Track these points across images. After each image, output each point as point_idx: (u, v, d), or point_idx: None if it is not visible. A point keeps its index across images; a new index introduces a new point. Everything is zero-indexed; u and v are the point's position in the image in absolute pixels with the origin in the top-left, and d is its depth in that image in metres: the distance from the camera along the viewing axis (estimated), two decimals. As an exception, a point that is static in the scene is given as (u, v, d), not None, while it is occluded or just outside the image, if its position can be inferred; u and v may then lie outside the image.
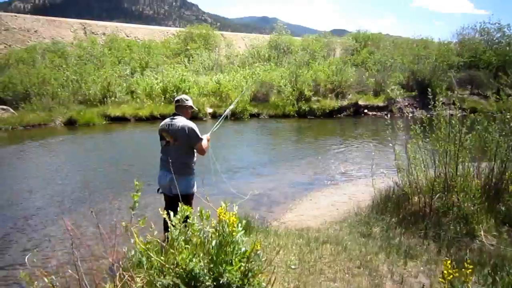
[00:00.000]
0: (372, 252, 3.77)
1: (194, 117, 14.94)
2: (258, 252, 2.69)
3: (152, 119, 15.21)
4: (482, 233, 4.03)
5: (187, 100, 4.60)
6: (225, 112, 5.74)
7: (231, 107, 6.16)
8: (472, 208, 4.22)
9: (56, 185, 7.59)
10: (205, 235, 2.72)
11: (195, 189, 4.53)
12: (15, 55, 19.00)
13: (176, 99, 4.63)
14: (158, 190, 4.65)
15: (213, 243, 2.65)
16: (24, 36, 26.24)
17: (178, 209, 2.84)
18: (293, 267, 3.38)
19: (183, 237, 2.72)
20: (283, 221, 5.54)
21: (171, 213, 2.75)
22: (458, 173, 4.55)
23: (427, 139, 5.01)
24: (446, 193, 4.54)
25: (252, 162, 9.47)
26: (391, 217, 4.76)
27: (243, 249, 2.65)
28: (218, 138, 11.90)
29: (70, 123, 14.34)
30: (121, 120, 15.21)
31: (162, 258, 2.69)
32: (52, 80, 16.23)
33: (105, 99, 16.27)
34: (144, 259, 2.72)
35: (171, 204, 4.22)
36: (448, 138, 4.48)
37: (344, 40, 28.52)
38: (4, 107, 14.75)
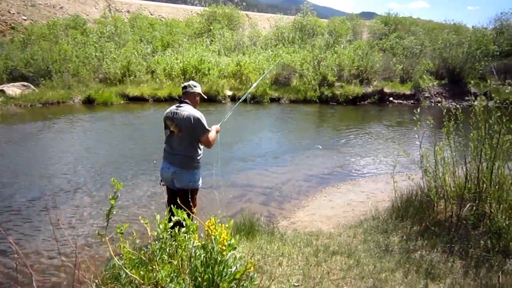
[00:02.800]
0: (388, 268, 3.32)
1: (212, 100, 14.79)
2: (251, 274, 2.32)
3: (170, 100, 14.96)
4: (517, 251, 3.52)
5: (195, 86, 4.23)
6: (239, 101, 5.45)
7: (248, 93, 5.88)
8: (507, 221, 3.69)
9: (77, 164, 7.48)
10: (191, 250, 2.37)
11: (200, 183, 4.21)
12: (38, 31, 18.97)
13: (183, 84, 4.27)
14: (160, 182, 4.34)
15: (199, 261, 2.29)
16: (50, 12, 26.32)
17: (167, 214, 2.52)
18: (296, 284, 2.99)
19: (166, 250, 2.38)
20: (293, 221, 5.12)
21: (173, 210, 2.41)
22: (492, 180, 4.00)
23: (459, 138, 4.44)
24: (477, 202, 4.01)
25: (267, 151, 9.03)
26: (412, 225, 4.26)
27: (233, 269, 2.28)
28: (234, 123, 11.52)
29: (89, 102, 14.27)
30: (139, 100, 15.04)
31: (141, 272, 2.37)
32: (74, 58, 16.13)
33: (124, 78, 16.11)
34: (122, 272, 2.40)
35: (174, 198, 3.90)
36: (484, 140, 3.92)
37: (372, 24, 27.30)
38: (25, 83, 14.78)
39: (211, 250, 2.25)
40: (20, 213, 5.31)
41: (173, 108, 4.15)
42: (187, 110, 4.03)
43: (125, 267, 2.32)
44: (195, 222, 2.44)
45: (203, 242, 2.31)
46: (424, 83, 17.04)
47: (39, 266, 3.96)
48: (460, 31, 22.14)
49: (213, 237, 2.26)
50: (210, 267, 2.25)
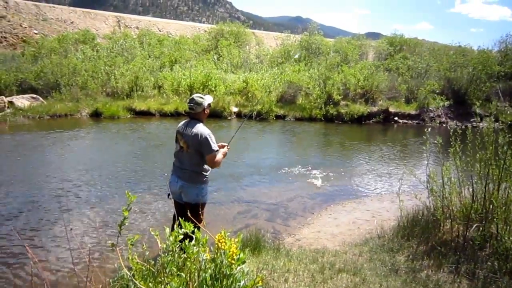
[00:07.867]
0: (395, 287, 3.32)
1: (218, 116, 14.91)
2: (259, 288, 2.32)
3: (176, 115, 15.11)
4: (524, 273, 3.49)
5: (200, 104, 4.10)
6: (233, 135, 4.93)
7: (252, 111, 5.87)
8: (514, 242, 3.67)
9: (86, 176, 7.52)
10: (200, 263, 2.38)
11: (207, 198, 4.23)
12: (48, 45, 19.32)
13: (189, 103, 4.14)
14: (168, 195, 4.36)
15: (208, 274, 2.31)
16: (61, 27, 26.84)
17: (175, 227, 2.54)
18: (302, 300, 2.98)
19: (175, 262, 2.39)
20: (298, 237, 5.12)
21: (180, 223, 2.43)
22: (498, 201, 4.00)
23: (466, 158, 4.44)
24: (484, 222, 4.01)
25: (272, 167, 9.06)
26: (418, 244, 4.26)
27: (241, 283, 2.29)
28: (240, 139, 11.58)
29: (96, 115, 14.42)
30: (146, 114, 15.19)
31: (150, 284, 2.38)
32: (83, 71, 16.38)
33: (131, 92, 16.31)
34: (131, 284, 2.42)
35: (181, 211, 3.92)
36: (491, 160, 3.93)
37: (378, 44, 27.57)
38: (34, 96, 14.99)
39: (220, 263, 2.27)
40: (32, 222, 5.35)
41: (185, 122, 4.21)
42: (196, 127, 4.04)
43: (134, 279, 2.34)
44: (204, 235, 2.46)
45: (213, 256, 2.33)
46: (435, 103, 17.24)
47: (51, 275, 3.99)
48: (466, 53, 22.34)
49: (222, 251, 2.28)
50: (219, 281, 2.26)
